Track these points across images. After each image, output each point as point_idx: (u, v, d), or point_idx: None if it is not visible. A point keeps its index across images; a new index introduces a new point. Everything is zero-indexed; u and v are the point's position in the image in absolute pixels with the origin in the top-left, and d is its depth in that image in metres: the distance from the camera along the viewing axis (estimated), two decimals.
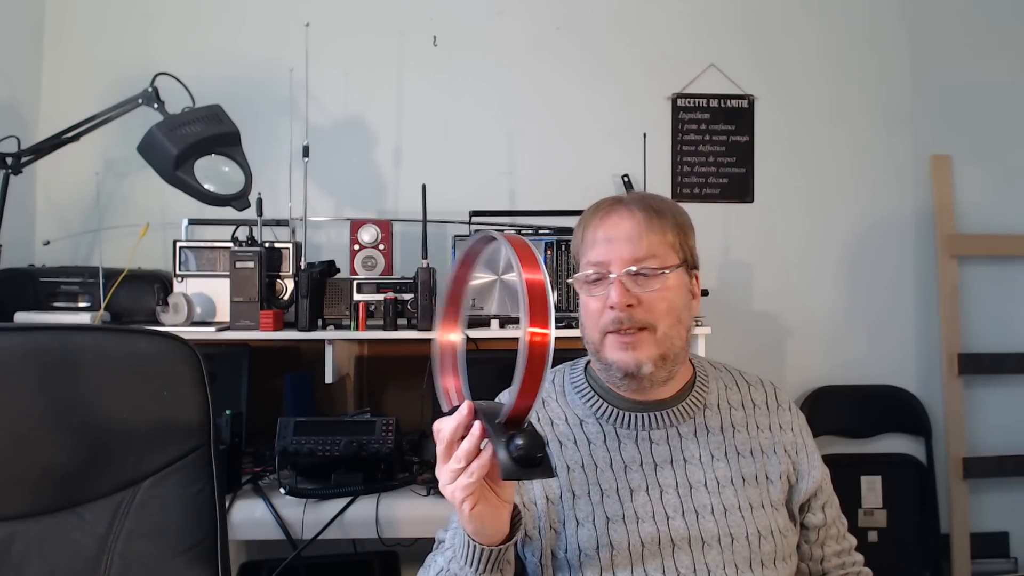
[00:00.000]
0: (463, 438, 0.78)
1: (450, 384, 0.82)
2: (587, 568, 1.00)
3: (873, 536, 2.31)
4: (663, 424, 1.07)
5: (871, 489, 2.35)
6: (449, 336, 0.83)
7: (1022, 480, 2.44)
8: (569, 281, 1.13)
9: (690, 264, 1.08)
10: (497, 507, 0.83)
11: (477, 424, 0.77)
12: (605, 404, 1.09)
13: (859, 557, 1.16)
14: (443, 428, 0.79)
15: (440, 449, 0.79)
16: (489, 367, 1.89)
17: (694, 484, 1.04)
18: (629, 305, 1.00)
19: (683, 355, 1.07)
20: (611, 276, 1.02)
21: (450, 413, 0.79)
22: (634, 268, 1.02)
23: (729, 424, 1.09)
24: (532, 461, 0.72)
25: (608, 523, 1.01)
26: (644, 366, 1.02)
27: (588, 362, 1.15)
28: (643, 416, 1.07)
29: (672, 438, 1.06)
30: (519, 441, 0.72)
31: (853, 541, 1.16)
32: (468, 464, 0.78)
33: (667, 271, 1.03)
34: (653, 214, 1.05)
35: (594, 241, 1.05)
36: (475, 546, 0.86)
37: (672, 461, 1.05)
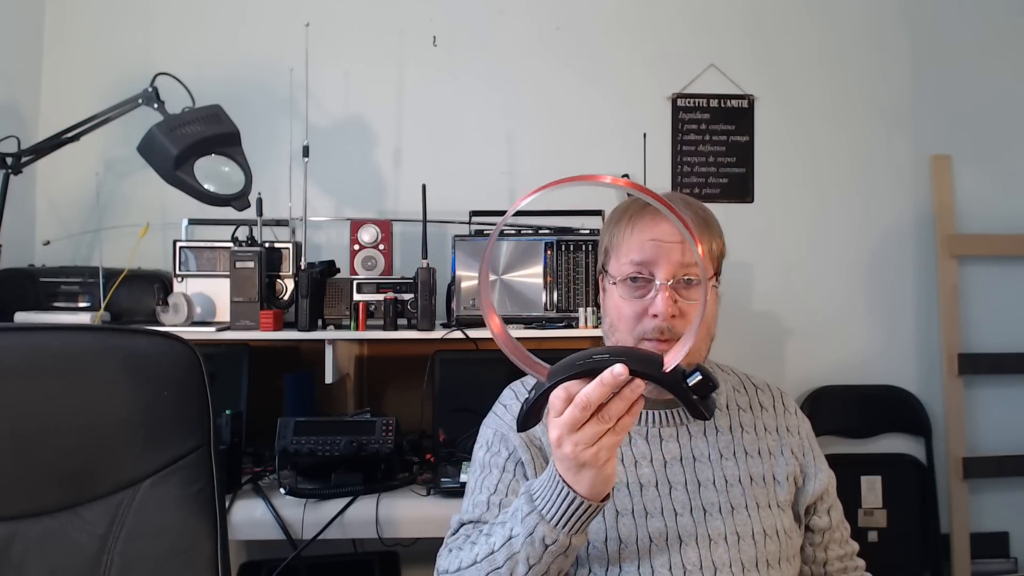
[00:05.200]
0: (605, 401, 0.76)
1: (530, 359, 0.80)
2: (594, 561, 1.00)
3: (873, 536, 2.31)
4: (673, 422, 1.08)
5: (871, 489, 2.35)
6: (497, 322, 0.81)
7: (1022, 480, 2.45)
8: (606, 278, 1.08)
9: (719, 274, 1.08)
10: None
11: (638, 381, 0.76)
12: None
13: (861, 562, 1.17)
14: (588, 394, 0.75)
15: (574, 416, 0.76)
16: (490, 367, 1.89)
17: (703, 482, 1.04)
18: (672, 316, 0.99)
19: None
20: (657, 283, 1.00)
21: (550, 387, 0.77)
22: (685, 276, 1.00)
23: (738, 425, 1.10)
24: (710, 392, 0.78)
25: (617, 516, 1.01)
26: None
27: None
28: (654, 413, 1.08)
29: (682, 436, 1.07)
30: (706, 382, 0.76)
31: (855, 546, 1.17)
32: (616, 423, 0.77)
33: (711, 282, 1.02)
34: (703, 224, 1.04)
35: (641, 241, 1.02)
36: (587, 505, 0.83)
37: (681, 458, 1.06)
